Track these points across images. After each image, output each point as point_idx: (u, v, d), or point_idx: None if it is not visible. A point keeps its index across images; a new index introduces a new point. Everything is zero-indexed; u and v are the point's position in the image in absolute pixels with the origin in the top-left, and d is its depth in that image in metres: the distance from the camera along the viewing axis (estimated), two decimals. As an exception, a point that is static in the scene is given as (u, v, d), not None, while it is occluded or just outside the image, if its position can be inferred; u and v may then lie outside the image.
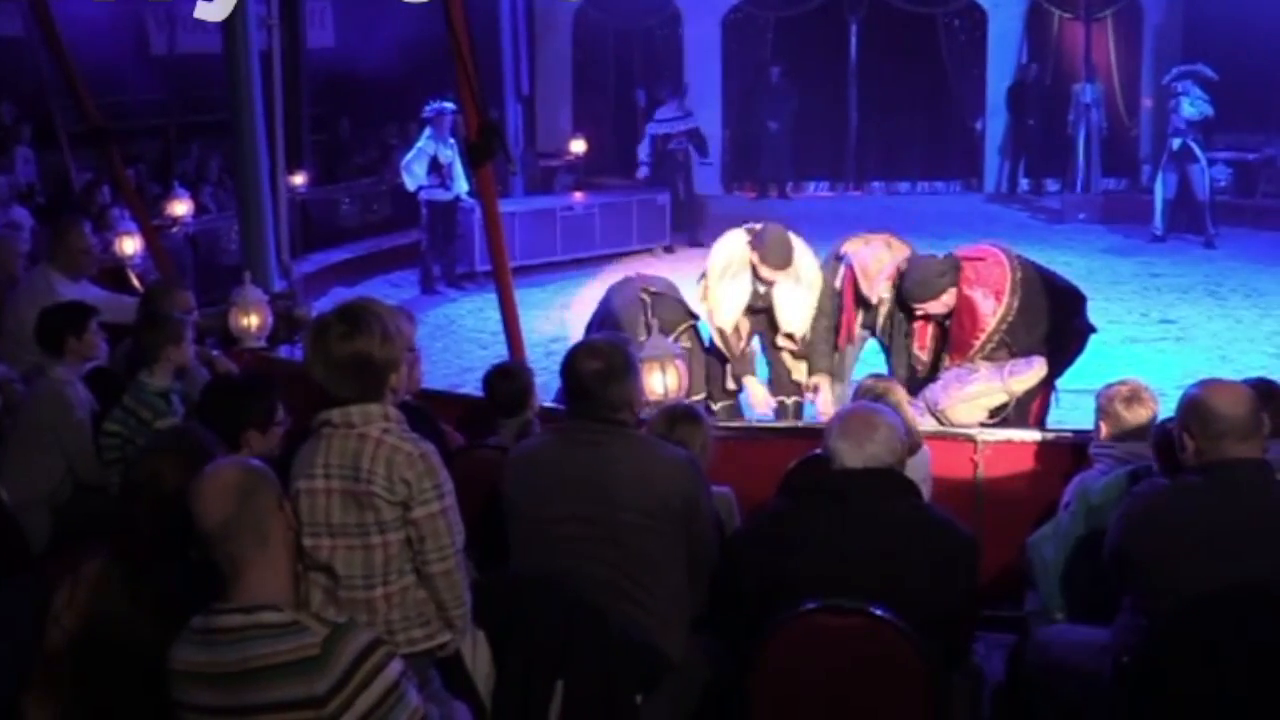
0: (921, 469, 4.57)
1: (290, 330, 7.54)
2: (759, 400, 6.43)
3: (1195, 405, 3.45)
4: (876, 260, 6.14)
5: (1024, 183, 16.71)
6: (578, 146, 15.64)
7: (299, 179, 12.97)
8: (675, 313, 6.54)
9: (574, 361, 3.70)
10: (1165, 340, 10.27)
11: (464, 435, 5.31)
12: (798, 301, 6.27)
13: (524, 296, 7.95)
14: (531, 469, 3.80)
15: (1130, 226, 14.38)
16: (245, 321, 7.16)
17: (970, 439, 5.46)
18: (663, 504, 3.68)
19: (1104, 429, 4.56)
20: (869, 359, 6.80)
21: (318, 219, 13.31)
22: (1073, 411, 6.47)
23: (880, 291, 6.07)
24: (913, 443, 4.36)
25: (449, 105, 11.17)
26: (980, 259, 6.01)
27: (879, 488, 3.46)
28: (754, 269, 6.21)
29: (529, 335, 6.69)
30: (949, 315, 5.93)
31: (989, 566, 3.90)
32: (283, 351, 7.18)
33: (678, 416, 4.35)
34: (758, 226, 6.35)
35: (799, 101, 16.35)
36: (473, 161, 5.67)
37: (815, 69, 16.79)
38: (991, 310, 5.82)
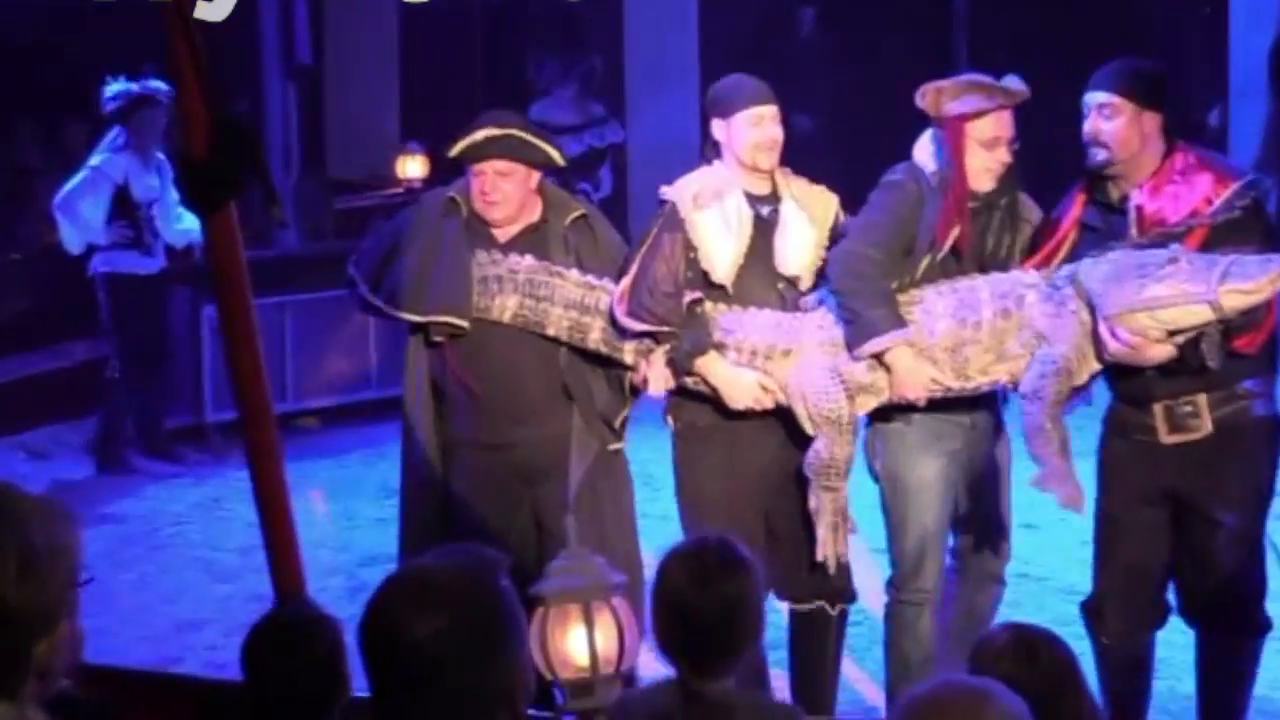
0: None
1: None
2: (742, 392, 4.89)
3: None
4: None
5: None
6: (413, 168, 10.88)
7: None
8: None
9: (390, 621, 2.63)
10: None
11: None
12: (803, 231, 5.09)
13: (304, 473, 7.41)
14: None
15: None
16: None
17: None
18: None
19: None
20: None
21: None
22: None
23: (998, 159, 4.85)
24: None
25: (159, 86, 8.18)
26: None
27: None
28: (744, 169, 5.02)
29: (316, 551, 6.24)
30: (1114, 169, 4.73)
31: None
32: None
33: None
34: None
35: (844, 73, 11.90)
36: (197, 201, 4.36)
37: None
38: (1208, 188, 4.69)
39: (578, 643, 4.17)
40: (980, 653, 3.04)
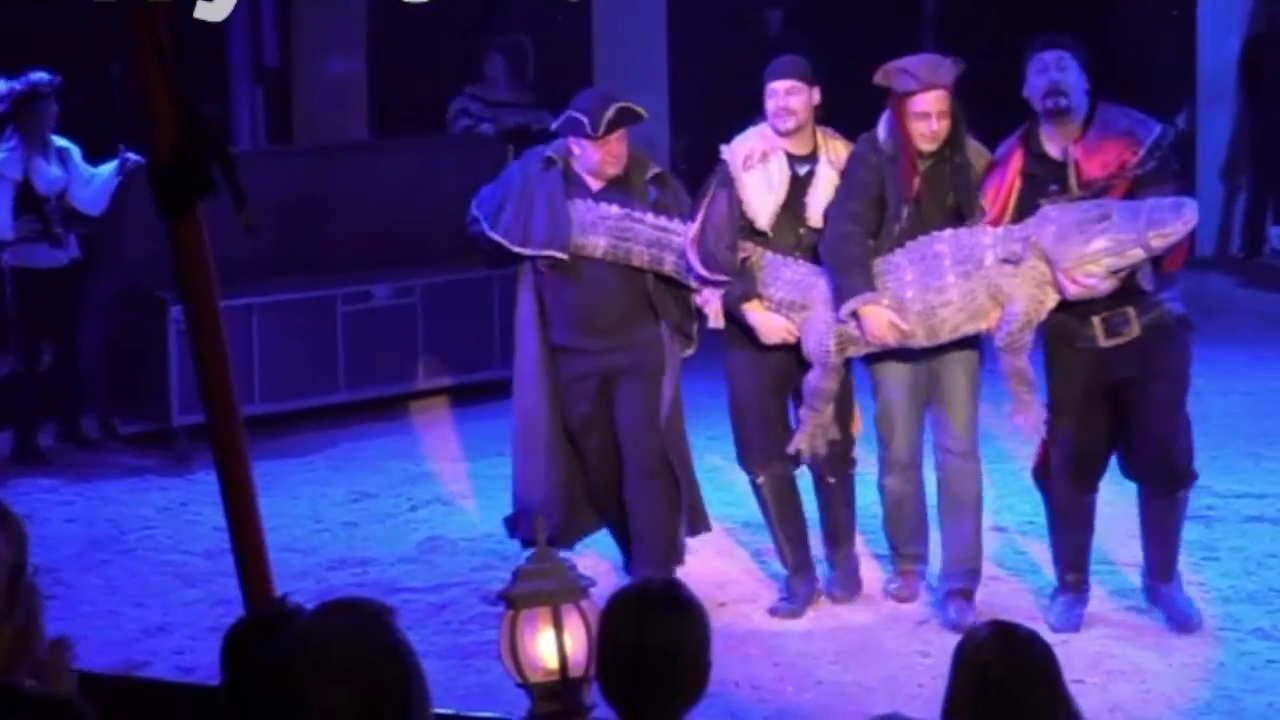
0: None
1: None
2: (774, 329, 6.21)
3: None
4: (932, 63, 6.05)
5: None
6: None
7: None
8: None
9: (292, 693, 2.48)
10: None
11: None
12: (832, 189, 6.14)
13: (271, 475, 7.39)
14: None
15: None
16: None
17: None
18: None
19: None
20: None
21: None
22: None
23: (929, 129, 5.84)
24: None
25: (41, 77, 8.29)
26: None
27: None
28: (786, 134, 6.10)
29: (285, 554, 6.37)
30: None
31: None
32: None
33: None
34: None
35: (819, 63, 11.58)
36: (166, 205, 4.16)
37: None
38: (1130, 142, 5.72)
39: (546, 646, 4.18)
40: (963, 646, 3.26)
